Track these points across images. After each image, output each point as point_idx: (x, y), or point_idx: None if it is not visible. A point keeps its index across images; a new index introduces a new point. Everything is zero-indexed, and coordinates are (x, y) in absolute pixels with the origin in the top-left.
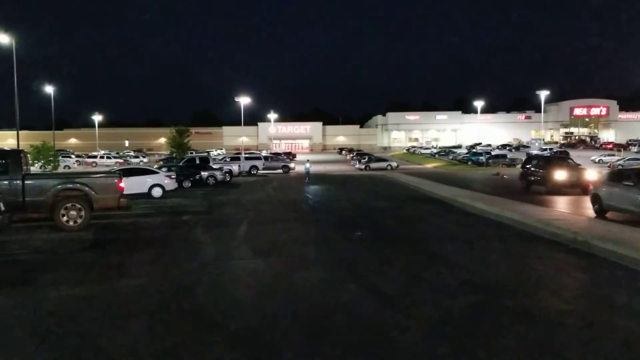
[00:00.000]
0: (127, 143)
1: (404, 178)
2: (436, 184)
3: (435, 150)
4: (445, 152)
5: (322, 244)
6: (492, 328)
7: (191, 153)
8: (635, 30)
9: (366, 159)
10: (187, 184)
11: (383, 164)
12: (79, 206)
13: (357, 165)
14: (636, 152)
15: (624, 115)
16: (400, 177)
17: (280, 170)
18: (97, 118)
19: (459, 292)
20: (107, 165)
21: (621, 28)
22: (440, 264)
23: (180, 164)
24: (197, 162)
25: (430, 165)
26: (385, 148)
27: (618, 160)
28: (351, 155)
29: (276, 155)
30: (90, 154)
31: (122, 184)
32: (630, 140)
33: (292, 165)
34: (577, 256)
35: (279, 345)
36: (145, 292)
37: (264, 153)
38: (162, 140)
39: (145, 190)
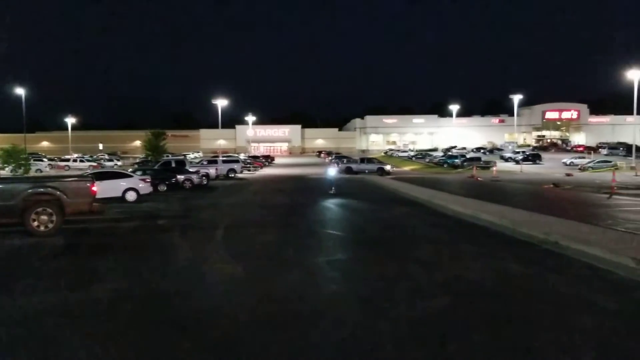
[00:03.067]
0: (101, 146)
1: (382, 180)
2: (416, 187)
3: (412, 153)
4: (422, 155)
5: (300, 246)
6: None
7: (167, 156)
8: (606, 35)
9: (344, 162)
10: (162, 187)
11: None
12: (50, 211)
13: None
14: (605, 155)
15: (594, 119)
16: (378, 179)
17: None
18: (70, 121)
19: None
20: (80, 169)
21: (592, 33)
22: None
23: (156, 167)
24: (173, 165)
25: (407, 168)
26: (363, 151)
27: (588, 162)
28: (330, 158)
29: (254, 158)
30: (62, 158)
31: (94, 188)
32: (600, 143)
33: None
34: None
35: (257, 352)
36: (119, 298)
37: (242, 156)
38: (138, 143)
39: (119, 194)
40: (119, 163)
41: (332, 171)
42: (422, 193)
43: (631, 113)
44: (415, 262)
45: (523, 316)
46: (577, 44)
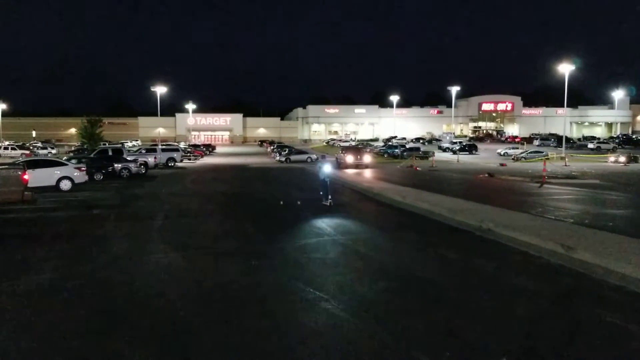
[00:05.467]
0: (34, 133)
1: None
2: (358, 177)
3: (353, 143)
4: (364, 145)
5: (239, 236)
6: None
7: (104, 144)
8: (541, 30)
9: (287, 152)
10: (98, 176)
11: (303, 157)
12: None
13: (278, 158)
14: (537, 146)
15: (527, 111)
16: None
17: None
18: (0, 107)
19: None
20: (12, 157)
21: (527, 27)
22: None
23: (92, 155)
24: (110, 153)
25: None
26: (305, 140)
27: (521, 153)
28: (272, 147)
29: (195, 147)
30: None
31: (26, 176)
32: (532, 134)
33: (314, 156)
34: None
35: (193, 341)
36: (51, 290)
37: (182, 145)
38: (73, 130)
39: (53, 182)
40: (53, 151)
41: (328, 168)
42: (362, 183)
43: (562, 105)
44: (355, 251)
45: (454, 299)
46: (513, 37)
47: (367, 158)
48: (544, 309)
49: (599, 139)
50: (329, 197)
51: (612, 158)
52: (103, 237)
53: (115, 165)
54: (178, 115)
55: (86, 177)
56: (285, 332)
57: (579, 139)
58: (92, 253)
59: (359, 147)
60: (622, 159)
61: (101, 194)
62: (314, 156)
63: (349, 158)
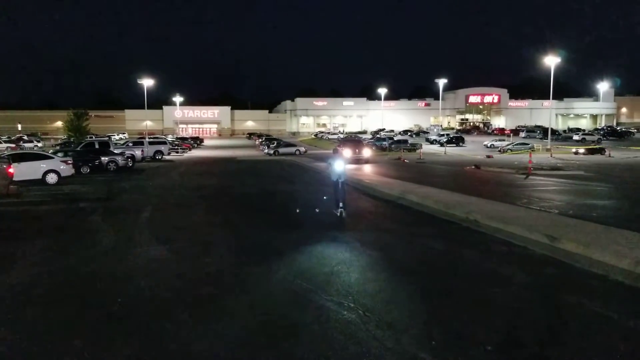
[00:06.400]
0: (19, 127)
1: (311, 163)
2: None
3: (342, 136)
4: (352, 137)
5: (226, 228)
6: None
7: (90, 137)
8: (527, 23)
9: (275, 144)
10: (85, 169)
11: (292, 149)
12: None
13: (266, 151)
14: (523, 138)
15: (513, 103)
16: (308, 162)
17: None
18: None
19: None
20: None
21: (514, 20)
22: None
23: (78, 148)
24: (97, 146)
25: None
26: (294, 133)
27: (507, 145)
28: (260, 140)
29: (182, 140)
30: None
31: (11, 170)
32: (519, 126)
33: (302, 148)
34: None
35: (180, 334)
36: (37, 283)
37: (169, 138)
38: (59, 124)
39: (39, 176)
40: (40, 144)
41: (340, 165)
42: (349, 175)
43: (548, 97)
44: (343, 242)
45: (441, 290)
46: (499, 30)
47: (367, 152)
48: (528, 298)
49: (584, 130)
50: (341, 205)
51: (573, 150)
52: (89, 230)
53: (102, 158)
54: (165, 108)
55: (73, 171)
56: (274, 323)
57: (564, 131)
58: (78, 246)
59: (358, 140)
60: (582, 150)
61: (88, 187)
62: (302, 149)
63: (347, 152)
